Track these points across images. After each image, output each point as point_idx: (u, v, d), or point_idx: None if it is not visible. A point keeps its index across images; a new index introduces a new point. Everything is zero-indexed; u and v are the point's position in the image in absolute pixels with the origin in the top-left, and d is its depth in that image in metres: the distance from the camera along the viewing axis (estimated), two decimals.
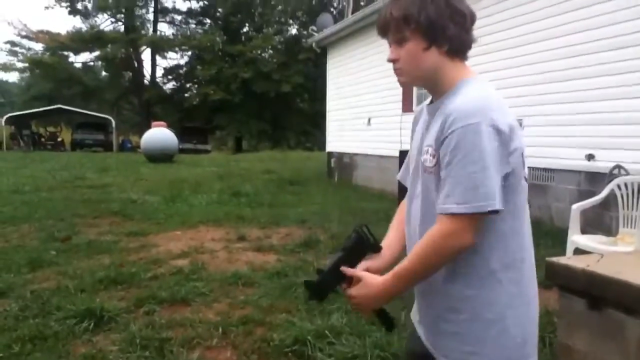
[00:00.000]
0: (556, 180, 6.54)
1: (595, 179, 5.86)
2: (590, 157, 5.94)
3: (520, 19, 7.07)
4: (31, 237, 6.25)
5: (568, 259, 2.61)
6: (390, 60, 1.44)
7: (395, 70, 1.44)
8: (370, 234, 1.56)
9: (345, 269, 1.48)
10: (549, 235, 5.75)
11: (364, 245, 1.54)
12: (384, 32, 1.43)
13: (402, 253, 1.53)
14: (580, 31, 6.13)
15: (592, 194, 5.16)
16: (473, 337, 1.38)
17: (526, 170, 1.42)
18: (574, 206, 4.36)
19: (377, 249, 1.58)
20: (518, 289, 1.40)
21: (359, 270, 1.47)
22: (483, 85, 1.42)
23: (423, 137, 1.46)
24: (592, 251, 3.69)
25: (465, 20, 1.39)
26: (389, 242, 1.62)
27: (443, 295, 1.41)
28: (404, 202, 1.61)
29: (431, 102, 1.49)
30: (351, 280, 1.47)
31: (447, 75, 1.41)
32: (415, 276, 1.37)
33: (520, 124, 6.99)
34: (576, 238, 4.19)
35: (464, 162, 1.27)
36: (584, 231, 4.63)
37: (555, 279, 2.58)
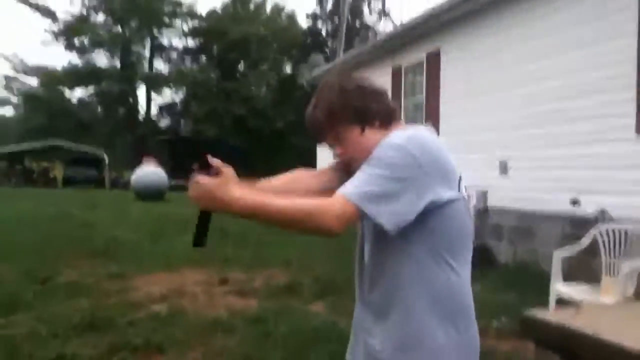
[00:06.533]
0: (542, 225, 6.51)
1: (580, 224, 5.83)
2: (574, 202, 5.92)
3: (504, 62, 7.15)
4: (10, 278, 6.11)
5: (544, 313, 2.55)
6: (336, 156, 1.54)
7: (347, 161, 1.52)
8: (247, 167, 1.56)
9: (211, 158, 1.35)
10: (535, 281, 5.68)
11: (244, 159, 1.47)
12: (319, 137, 1.53)
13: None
14: (562, 75, 6.20)
15: (578, 239, 5.12)
16: None
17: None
18: (555, 253, 4.31)
19: (251, 175, 1.51)
20: None
21: (228, 169, 1.35)
22: (412, 127, 1.50)
23: None
24: (574, 301, 3.63)
25: (381, 94, 1.52)
26: (268, 183, 1.58)
27: None
28: (303, 172, 1.65)
29: None
30: (207, 169, 1.34)
31: None
32: (274, 218, 1.31)
33: (506, 166, 7.01)
34: (559, 287, 4.13)
35: (374, 164, 1.34)
36: (570, 277, 4.57)
37: (530, 333, 2.52)
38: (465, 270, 1.45)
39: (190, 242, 1.46)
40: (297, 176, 1.64)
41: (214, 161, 1.35)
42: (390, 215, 1.30)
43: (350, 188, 1.33)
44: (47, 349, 3.86)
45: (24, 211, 13.22)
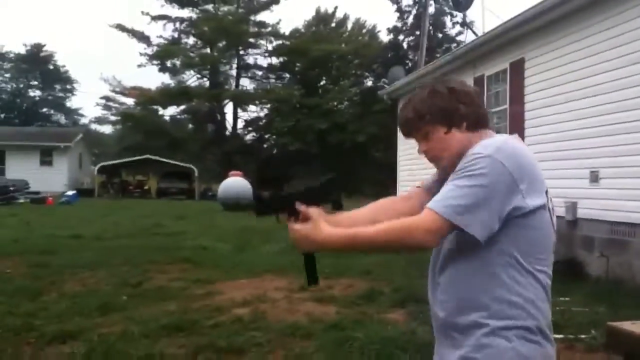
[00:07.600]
0: (638, 236, 6.11)
1: None
2: None
3: (592, 68, 6.82)
4: (106, 282, 6.55)
5: (632, 324, 2.42)
6: (421, 152, 1.57)
7: (430, 159, 1.56)
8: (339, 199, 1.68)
9: (300, 206, 1.50)
10: (630, 295, 5.35)
11: (328, 192, 1.63)
12: (408, 134, 1.59)
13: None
14: None
15: None
16: None
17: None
18: None
19: (337, 206, 1.67)
20: None
21: (314, 210, 1.49)
22: (501, 136, 1.50)
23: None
24: None
25: (472, 97, 1.52)
26: (355, 213, 1.65)
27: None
28: (390, 199, 1.75)
29: None
30: (296, 215, 1.50)
31: (474, 144, 1.47)
32: (367, 246, 1.44)
33: (597, 176, 6.66)
34: None
35: (461, 176, 1.36)
36: None
37: (618, 345, 2.39)
38: (544, 280, 1.43)
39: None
40: (385, 203, 1.71)
41: (301, 208, 1.50)
42: (479, 225, 1.32)
43: (439, 201, 1.36)
44: (138, 347, 4.09)
45: (121, 220, 14.08)
